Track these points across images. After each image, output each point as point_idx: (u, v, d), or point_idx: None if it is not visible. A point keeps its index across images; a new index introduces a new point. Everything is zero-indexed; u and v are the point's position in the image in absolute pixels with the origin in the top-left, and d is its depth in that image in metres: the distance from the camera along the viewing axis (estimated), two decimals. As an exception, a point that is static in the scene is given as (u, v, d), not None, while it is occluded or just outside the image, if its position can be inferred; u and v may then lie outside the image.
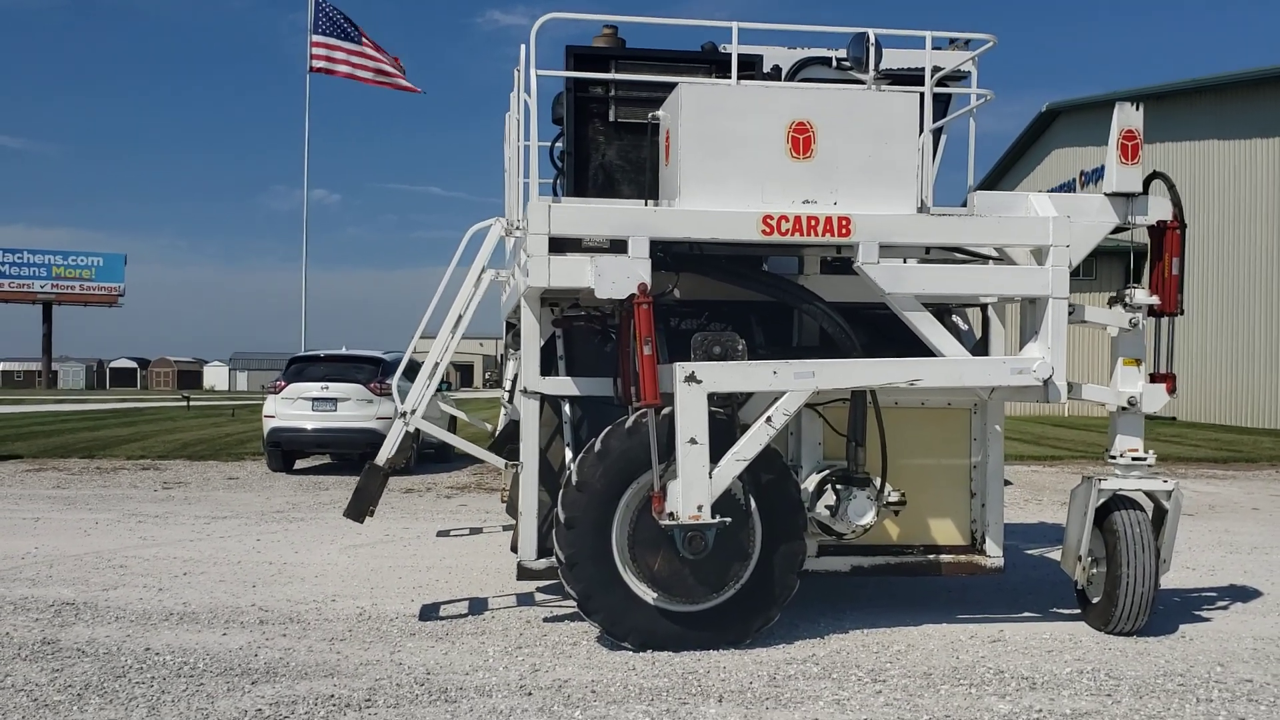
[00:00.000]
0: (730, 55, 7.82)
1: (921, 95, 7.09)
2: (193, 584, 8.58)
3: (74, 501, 13.87)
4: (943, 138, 8.89)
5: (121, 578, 8.80)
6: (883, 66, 8.72)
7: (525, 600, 8.00)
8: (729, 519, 6.44)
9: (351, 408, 16.99)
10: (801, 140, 6.63)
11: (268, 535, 11.22)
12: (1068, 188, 44.15)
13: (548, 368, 7.79)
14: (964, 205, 7.48)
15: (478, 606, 7.85)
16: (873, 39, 7.27)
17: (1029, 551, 10.39)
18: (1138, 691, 5.92)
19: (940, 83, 8.68)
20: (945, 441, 7.49)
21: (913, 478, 7.43)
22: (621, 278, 6.37)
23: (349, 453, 17.50)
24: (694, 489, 6.36)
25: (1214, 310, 30.63)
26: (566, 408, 7.44)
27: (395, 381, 7.55)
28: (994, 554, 7.40)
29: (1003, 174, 49.66)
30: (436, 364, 7.35)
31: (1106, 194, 6.98)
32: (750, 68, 7.73)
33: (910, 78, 8.53)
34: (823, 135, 6.64)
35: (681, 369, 6.40)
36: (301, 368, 17.85)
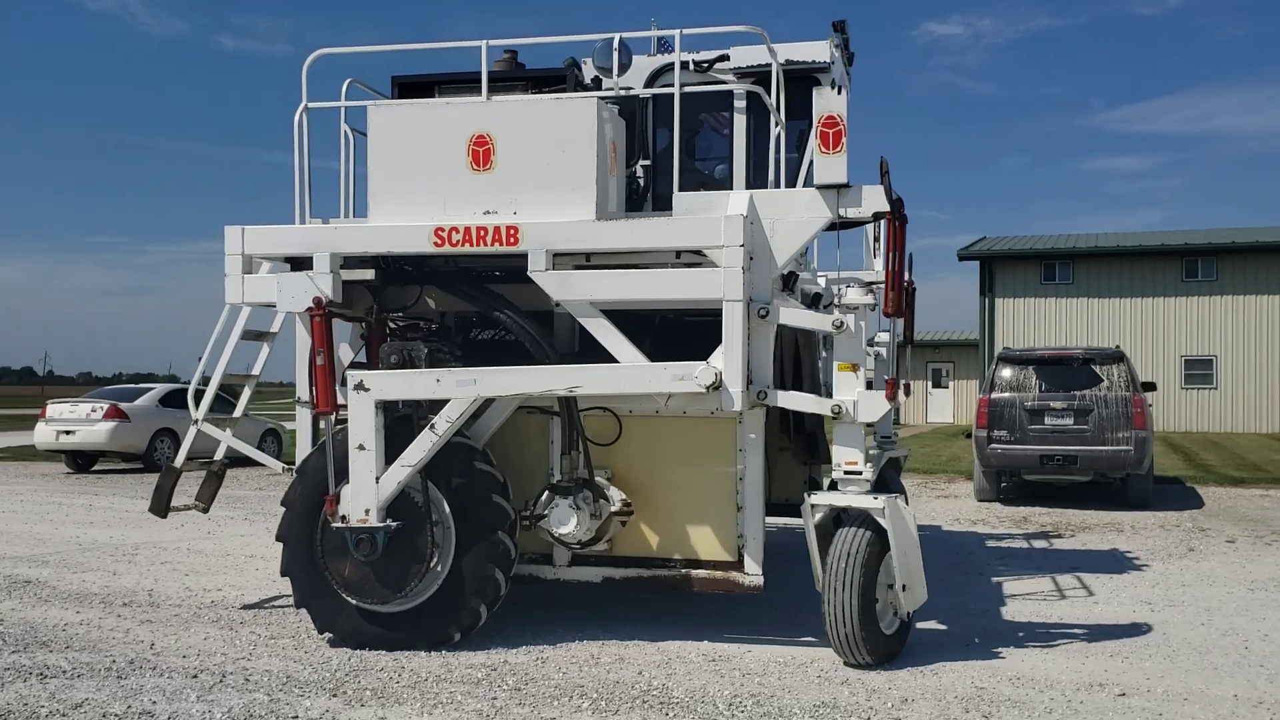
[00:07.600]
0: (586, 72, 8.00)
1: (635, 98, 6.95)
2: (148, 571, 9.82)
3: (235, 500, 15.85)
4: (811, 134, 8.46)
5: (109, 563, 10.22)
6: (737, 64, 8.53)
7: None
8: (398, 523, 6.67)
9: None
10: (481, 153, 6.74)
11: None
12: None
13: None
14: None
15: (313, 601, 8.44)
16: (617, 44, 7.19)
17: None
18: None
19: (803, 75, 8.38)
20: (709, 451, 7.18)
21: (676, 488, 7.22)
22: (300, 293, 6.79)
23: None
24: (361, 493, 6.66)
25: None
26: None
27: (191, 392, 8.31)
28: (753, 572, 6.99)
29: None
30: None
31: (815, 187, 6.49)
32: (560, 81, 7.81)
33: (767, 73, 8.25)
34: (501, 146, 6.71)
35: (351, 377, 6.72)
36: None
